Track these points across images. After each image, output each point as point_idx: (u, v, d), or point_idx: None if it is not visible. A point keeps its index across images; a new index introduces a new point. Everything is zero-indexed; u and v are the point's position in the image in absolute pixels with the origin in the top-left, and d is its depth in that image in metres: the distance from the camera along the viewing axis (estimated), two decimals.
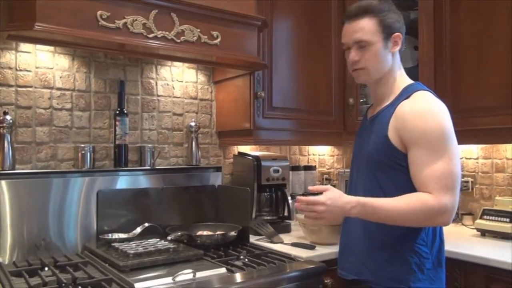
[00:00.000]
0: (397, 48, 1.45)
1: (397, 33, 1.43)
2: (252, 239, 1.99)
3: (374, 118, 1.48)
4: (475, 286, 1.76)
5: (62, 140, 1.90)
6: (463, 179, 2.54)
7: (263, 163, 2.21)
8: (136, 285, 1.32)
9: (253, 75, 2.09)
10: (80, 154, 1.87)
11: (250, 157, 2.25)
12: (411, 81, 1.48)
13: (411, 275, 1.36)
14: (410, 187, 1.33)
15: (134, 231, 1.86)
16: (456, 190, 1.31)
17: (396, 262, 1.37)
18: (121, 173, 1.94)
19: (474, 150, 2.51)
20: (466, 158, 2.56)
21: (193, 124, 2.20)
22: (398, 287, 1.36)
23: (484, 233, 2.14)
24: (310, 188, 1.38)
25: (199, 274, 1.42)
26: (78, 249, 1.80)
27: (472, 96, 2.17)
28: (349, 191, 1.52)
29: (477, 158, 2.50)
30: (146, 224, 1.88)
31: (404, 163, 1.35)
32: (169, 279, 1.37)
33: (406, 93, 1.41)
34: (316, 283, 1.58)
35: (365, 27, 1.41)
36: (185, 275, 1.39)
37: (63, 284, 1.35)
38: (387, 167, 1.38)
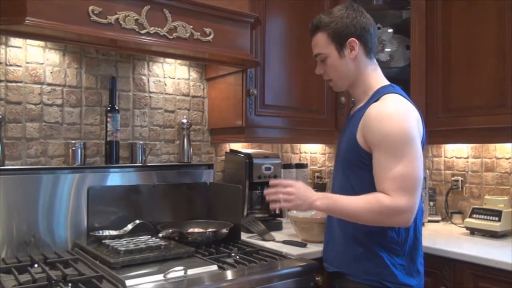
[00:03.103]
0: (355, 53, 1.45)
1: (351, 39, 1.44)
2: (244, 236, 1.99)
3: (350, 118, 1.53)
4: (464, 284, 1.78)
5: (53, 136, 1.88)
6: (453, 178, 2.57)
7: (255, 160, 2.21)
8: (127, 282, 1.31)
9: (245, 72, 2.09)
10: (70, 150, 1.86)
11: (242, 155, 2.25)
12: (386, 83, 1.50)
13: (384, 269, 1.39)
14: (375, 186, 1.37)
15: (125, 228, 1.85)
16: (416, 193, 1.32)
17: (368, 257, 1.42)
18: (112, 169, 1.93)
19: (464, 149, 2.53)
20: (456, 157, 2.58)
21: (185, 121, 2.19)
22: (371, 279, 1.40)
23: (473, 231, 2.17)
24: (272, 182, 1.47)
25: (190, 272, 1.42)
26: (68, 246, 1.79)
27: (463, 96, 2.19)
28: (331, 188, 1.60)
29: (467, 157, 2.53)
30: (137, 221, 1.87)
31: (370, 163, 1.39)
32: (160, 276, 1.37)
33: (377, 96, 1.43)
34: (307, 280, 1.58)
35: (318, 42, 1.50)
36: (176, 272, 1.39)
37: (53, 281, 1.34)
38: (355, 166, 1.42)
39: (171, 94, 2.22)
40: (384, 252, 1.40)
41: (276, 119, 2.19)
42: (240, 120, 2.09)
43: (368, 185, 1.37)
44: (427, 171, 2.52)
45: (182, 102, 2.26)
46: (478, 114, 2.11)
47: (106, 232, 1.81)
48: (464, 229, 2.24)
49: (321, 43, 1.49)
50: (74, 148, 1.86)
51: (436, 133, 2.34)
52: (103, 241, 1.70)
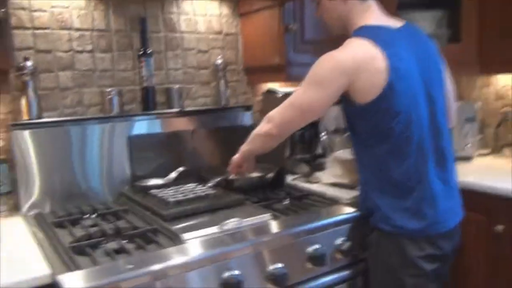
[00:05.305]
0: None
1: None
2: (287, 178, 1.93)
3: None
4: None
5: (86, 84, 1.80)
6: (504, 109, 2.42)
7: None
8: (184, 235, 1.28)
9: (282, 6, 1.91)
10: (106, 98, 1.78)
11: (281, 94, 2.14)
12: (373, 23, 1.40)
13: (379, 211, 1.43)
14: None
15: (169, 176, 1.80)
16: (285, 113, 1.45)
17: (366, 199, 1.50)
18: (150, 116, 1.86)
19: None
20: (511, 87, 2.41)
21: (219, 62, 2.07)
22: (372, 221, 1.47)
23: None
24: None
25: (245, 222, 1.37)
26: (113, 197, 1.76)
27: None
28: None
29: None
30: (181, 169, 1.82)
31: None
32: (215, 228, 1.32)
33: None
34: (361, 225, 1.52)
35: None
36: (232, 223, 1.34)
37: (109, 235, 1.32)
38: None
39: (203, 33, 2.07)
40: (384, 194, 1.40)
41: (318, 55, 2.02)
42: (279, 58, 1.95)
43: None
44: (479, 103, 2.37)
45: (215, 41, 2.12)
46: None
47: (151, 181, 1.77)
48: None
49: None
50: (110, 96, 1.78)
51: (490, 62, 2.16)
52: (150, 191, 1.66)
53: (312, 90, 1.39)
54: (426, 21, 2.31)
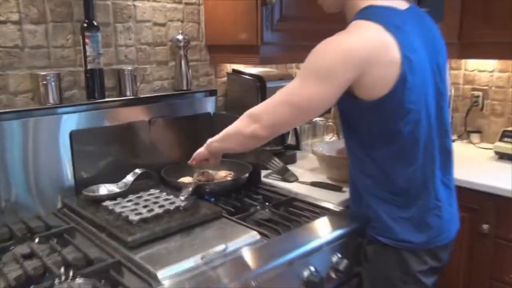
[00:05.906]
0: None
1: None
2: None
3: None
4: (509, 222, 1.64)
5: (12, 65, 1.40)
6: (472, 92, 2.35)
7: (268, 84, 1.83)
8: (158, 274, 1.00)
9: None
10: (41, 84, 1.40)
11: (250, 77, 1.87)
12: (374, 3, 1.18)
13: (379, 222, 1.27)
14: None
15: (125, 181, 1.48)
16: (277, 111, 1.20)
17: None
18: (97, 106, 1.51)
19: (490, 62, 2.27)
20: (479, 71, 2.33)
21: (180, 37, 1.73)
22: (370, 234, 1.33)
23: (502, 156, 2.00)
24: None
25: (230, 247, 1.12)
26: (53, 207, 1.41)
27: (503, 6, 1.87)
28: None
29: (492, 71, 2.28)
30: (138, 171, 1.50)
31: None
32: (197, 259, 1.06)
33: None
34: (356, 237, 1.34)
35: None
36: (216, 252, 1.09)
37: (57, 276, 1.00)
38: None
39: (159, 1, 1.71)
40: (384, 202, 1.24)
41: (298, 34, 1.74)
42: (253, 36, 1.66)
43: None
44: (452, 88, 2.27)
45: (174, 12, 1.76)
46: None
47: (103, 189, 1.44)
48: (486, 150, 2.10)
49: None
50: (45, 81, 1.40)
51: (469, 46, 2.04)
52: (102, 203, 1.34)
53: (313, 85, 1.13)
54: None
